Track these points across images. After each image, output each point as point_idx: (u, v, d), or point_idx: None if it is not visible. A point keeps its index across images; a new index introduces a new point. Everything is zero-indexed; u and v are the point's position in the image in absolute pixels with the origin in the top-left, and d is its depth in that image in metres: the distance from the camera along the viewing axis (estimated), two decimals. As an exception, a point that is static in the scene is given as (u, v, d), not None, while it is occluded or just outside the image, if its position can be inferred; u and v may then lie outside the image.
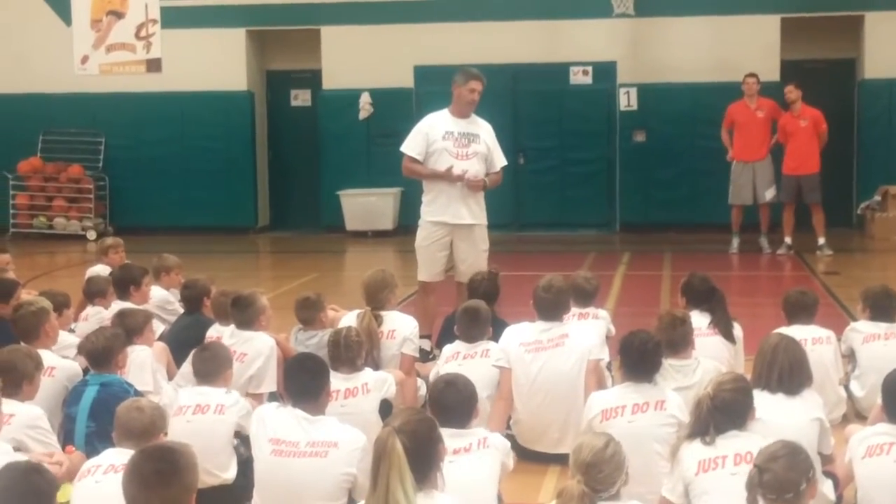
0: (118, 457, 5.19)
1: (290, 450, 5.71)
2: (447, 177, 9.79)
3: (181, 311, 9.04)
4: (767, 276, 15.48)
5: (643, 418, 6.13)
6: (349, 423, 5.91)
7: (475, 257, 9.87)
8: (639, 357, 6.28)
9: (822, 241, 16.34)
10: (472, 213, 9.95)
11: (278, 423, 5.81)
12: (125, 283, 9.15)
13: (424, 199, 10.07)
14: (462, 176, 9.77)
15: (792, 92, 16.32)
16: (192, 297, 8.72)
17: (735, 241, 16.79)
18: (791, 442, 4.74)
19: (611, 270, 15.04)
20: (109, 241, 11.21)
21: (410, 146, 10.00)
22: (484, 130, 10.04)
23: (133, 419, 5.40)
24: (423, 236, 10.01)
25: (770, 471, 4.54)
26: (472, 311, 7.70)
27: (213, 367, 6.59)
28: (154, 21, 20.29)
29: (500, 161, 10.14)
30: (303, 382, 5.90)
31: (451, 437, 5.52)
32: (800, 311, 8.04)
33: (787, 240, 16.50)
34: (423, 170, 9.94)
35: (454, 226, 9.88)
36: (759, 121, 16.59)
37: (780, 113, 16.63)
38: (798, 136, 16.32)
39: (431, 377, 7.88)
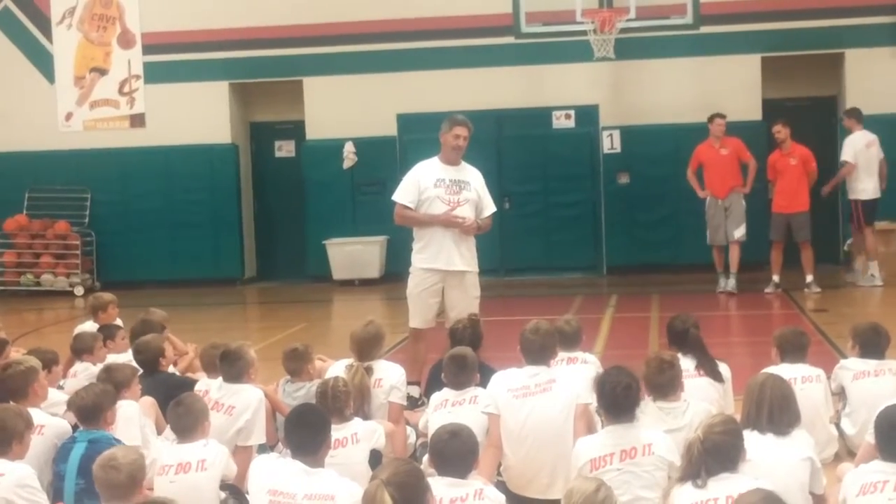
0: None
1: (287, 501, 5.66)
2: (445, 221, 9.78)
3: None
4: (756, 314, 15.45)
5: (632, 465, 6.10)
6: (339, 474, 5.88)
7: (466, 304, 9.84)
8: (612, 399, 6.26)
9: (810, 278, 16.35)
10: (464, 259, 9.95)
11: (277, 474, 5.79)
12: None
13: (415, 246, 10.03)
14: (461, 220, 9.77)
15: (780, 131, 16.41)
16: (147, 361, 8.56)
17: (722, 281, 16.80)
18: (769, 491, 4.72)
19: (598, 313, 15.04)
20: (107, 296, 11.09)
21: (402, 195, 9.97)
22: (473, 177, 10.05)
23: (111, 479, 5.39)
24: (414, 283, 9.99)
25: None
26: (459, 357, 7.69)
27: (189, 422, 6.57)
28: (137, 77, 20.37)
29: (490, 208, 10.15)
30: (304, 435, 5.86)
31: (448, 486, 5.53)
32: (795, 350, 8.01)
33: (775, 278, 16.50)
34: (419, 216, 9.90)
35: (446, 272, 9.87)
36: (724, 159, 16.63)
37: (744, 150, 16.64)
38: (787, 174, 16.40)
39: (420, 425, 7.90)
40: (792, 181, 16.41)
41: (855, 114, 17.13)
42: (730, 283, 16.60)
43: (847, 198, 17.20)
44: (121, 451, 5.64)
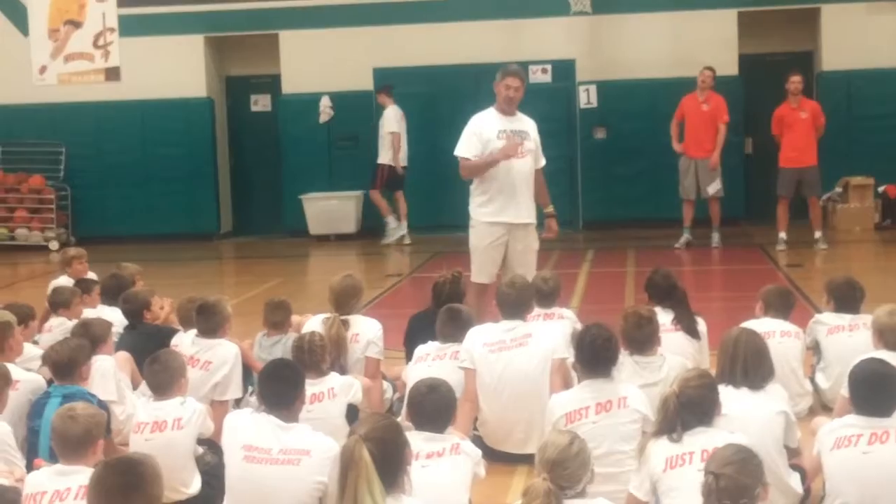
0: (59, 480, 5.19)
1: (262, 456, 5.64)
2: (504, 155, 9.43)
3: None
4: (732, 269, 15.48)
5: (607, 418, 6.13)
6: (315, 429, 5.88)
7: (531, 257, 9.68)
8: (592, 353, 6.29)
9: (818, 234, 16.13)
10: (529, 210, 9.71)
11: (251, 429, 5.75)
12: (118, 289, 9.19)
13: (477, 199, 9.64)
14: (518, 147, 9.51)
15: (799, 82, 16.05)
16: (132, 311, 8.63)
17: (683, 237, 16.72)
18: (743, 446, 4.73)
19: (575, 268, 15.05)
20: (72, 251, 11.10)
21: (466, 149, 9.59)
22: (531, 128, 9.78)
23: (67, 429, 5.34)
24: (479, 237, 9.61)
25: (725, 476, 4.49)
26: (455, 311, 7.68)
27: (165, 379, 6.53)
28: (112, 30, 20.18)
29: (541, 160, 9.92)
30: (277, 390, 5.82)
31: (425, 441, 5.55)
32: (780, 307, 8.05)
33: (782, 234, 16.16)
34: (480, 161, 9.48)
35: (512, 225, 9.60)
36: (704, 115, 16.42)
37: (724, 111, 16.39)
38: (798, 127, 16.03)
39: (403, 378, 7.89)
40: (802, 135, 16.02)
41: (386, 89, 18.28)
42: (714, 238, 16.50)
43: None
44: (81, 404, 5.62)
